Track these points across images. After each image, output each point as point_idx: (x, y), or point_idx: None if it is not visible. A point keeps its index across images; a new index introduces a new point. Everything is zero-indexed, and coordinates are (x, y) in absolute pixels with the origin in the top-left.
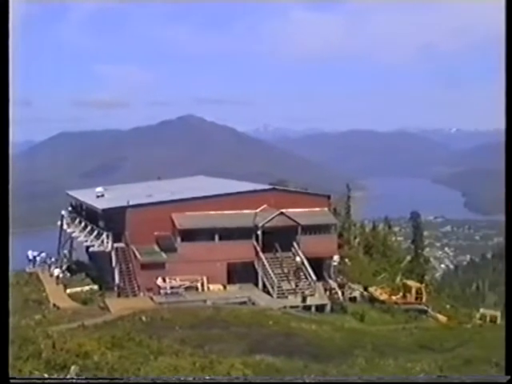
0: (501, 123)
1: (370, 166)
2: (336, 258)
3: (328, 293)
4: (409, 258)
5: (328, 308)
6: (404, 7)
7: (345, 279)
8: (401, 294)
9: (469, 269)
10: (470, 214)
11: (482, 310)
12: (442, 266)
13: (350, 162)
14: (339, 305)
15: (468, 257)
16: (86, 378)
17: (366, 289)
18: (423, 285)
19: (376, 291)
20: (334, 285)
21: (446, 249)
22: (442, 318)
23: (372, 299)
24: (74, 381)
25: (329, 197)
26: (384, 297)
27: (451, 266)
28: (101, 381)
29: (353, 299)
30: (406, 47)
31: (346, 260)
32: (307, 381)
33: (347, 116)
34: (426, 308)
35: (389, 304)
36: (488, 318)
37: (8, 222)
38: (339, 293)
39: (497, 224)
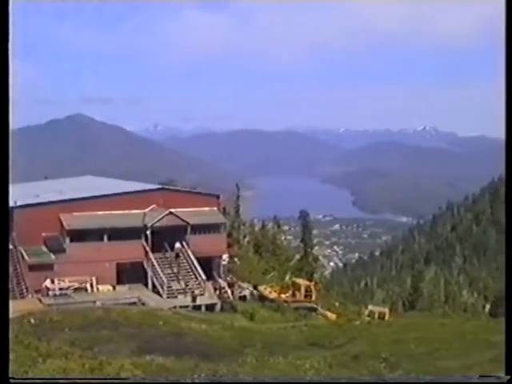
0: (389, 123)
1: (259, 166)
2: (225, 257)
3: (218, 292)
4: (298, 256)
5: (218, 307)
6: (296, 6)
7: (234, 278)
8: (290, 292)
9: (357, 266)
10: (359, 212)
11: (370, 307)
12: (331, 264)
13: (239, 161)
14: (229, 304)
15: (356, 255)
16: (86, 378)
17: (255, 287)
18: (312, 283)
19: (266, 290)
20: (223, 284)
21: (335, 247)
22: (331, 315)
23: (262, 298)
24: (74, 381)
25: (218, 196)
26: (274, 295)
27: (340, 264)
28: (101, 381)
29: (243, 298)
30: (297, 47)
31: (236, 259)
32: (308, 381)
33: (237, 115)
34: (315, 306)
35: (278, 302)
36: (376, 315)
37: (7, 224)
38: (229, 292)
39: (384, 222)
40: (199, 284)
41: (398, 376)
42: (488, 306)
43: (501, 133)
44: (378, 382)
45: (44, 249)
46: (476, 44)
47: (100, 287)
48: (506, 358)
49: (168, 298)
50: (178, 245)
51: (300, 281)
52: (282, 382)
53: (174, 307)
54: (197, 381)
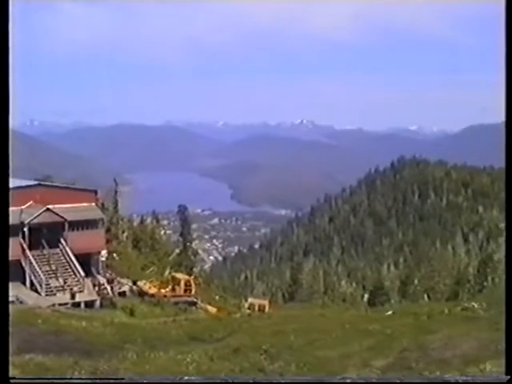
0: (266, 116)
1: (137, 160)
2: (104, 253)
3: (97, 288)
4: (177, 251)
5: (97, 304)
6: (173, 1)
7: (113, 274)
8: (170, 286)
9: (237, 260)
10: (237, 206)
11: (250, 300)
12: (211, 257)
13: (117, 156)
14: (109, 300)
15: (236, 248)
16: (86, 378)
17: (135, 283)
18: (192, 277)
19: (145, 285)
20: (102, 280)
21: (215, 241)
22: (211, 308)
23: (141, 293)
24: (73, 381)
25: (96, 192)
26: (153, 290)
27: (220, 258)
28: (100, 381)
29: (122, 294)
30: (174, 41)
31: (115, 255)
32: (309, 381)
33: (114, 109)
34: (195, 300)
35: (158, 297)
36: (256, 307)
37: (8, 222)
38: (108, 288)
39: (263, 215)
40: (78, 281)
41: (399, 375)
42: (366, 296)
43: (377, 125)
44: (381, 382)
45: None
46: (349, 39)
47: None
48: (506, 358)
49: (47, 295)
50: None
51: (179, 275)
52: (285, 382)
53: (53, 305)
54: (198, 381)
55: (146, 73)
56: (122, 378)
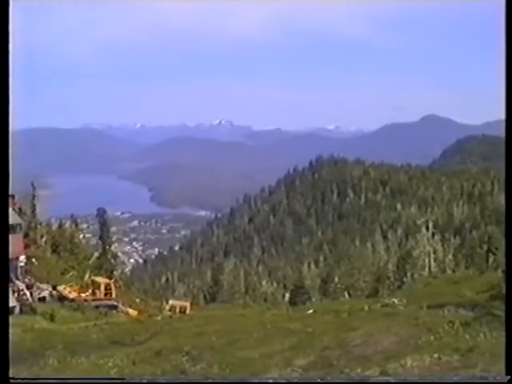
0: (185, 118)
1: (55, 164)
2: (22, 258)
3: (16, 294)
4: (97, 254)
5: (17, 310)
6: (87, 4)
7: (33, 279)
8: (90, 290)
9: (157, 262)
10: (157, 208)
11: (171, 302)
12: (131, 260)
13: (34, 159)
14: (28, 306)
15: (156, 250)
16: (87, 378)
17: (54, 288)
18: (112, 280)
19: (65, 290)
20: (21, 286)
21: (135, 243)
22: (132, 312)
23: (61, 298)
24: (73, 381)
25: (13, 196)
26: (73, 295)
27: (140, 260)
28: (100, 381)
29: (42, 299)
30: (89, 43)
31: (33, 260)
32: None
33: (30, 113)
34: (115, 303)
35: (78, 302)
36: (178, 309)
37: (8, 222)
38: (27, 294)
39: (183, 217)
40: None
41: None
42: (287, 295)
43: (295, 125)
44: (379, 381)
45: None
46: (267, 39)
47: None
48: (506, 358)
49: None
50: None
51: (99, 279)
52: (285, 383)
53: None
54: (198, 381)
55: (61, 75)
56: (123, 378)
